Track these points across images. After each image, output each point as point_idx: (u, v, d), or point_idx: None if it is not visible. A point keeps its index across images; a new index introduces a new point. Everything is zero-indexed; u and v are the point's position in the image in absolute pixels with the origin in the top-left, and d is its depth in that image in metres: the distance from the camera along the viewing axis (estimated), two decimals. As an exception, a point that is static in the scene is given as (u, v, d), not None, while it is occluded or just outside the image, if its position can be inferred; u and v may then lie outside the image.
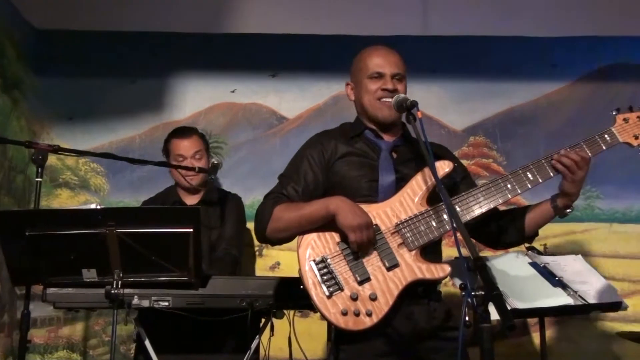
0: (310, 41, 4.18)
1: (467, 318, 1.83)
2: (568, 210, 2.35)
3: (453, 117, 4.15)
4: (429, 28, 4.18)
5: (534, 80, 4.16)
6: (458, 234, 1.92)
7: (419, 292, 2.27)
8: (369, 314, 2.16)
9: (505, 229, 2.46)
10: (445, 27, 4.16)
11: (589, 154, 2.31)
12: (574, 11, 4.14)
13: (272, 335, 2.79)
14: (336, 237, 2.26)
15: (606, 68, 4.16)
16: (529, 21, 4.15)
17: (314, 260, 2.23)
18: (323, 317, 2.18)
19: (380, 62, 2.43)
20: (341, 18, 4.17)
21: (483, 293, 1.76)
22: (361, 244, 2.20)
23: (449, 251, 2.56)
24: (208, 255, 3.26)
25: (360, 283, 2.20)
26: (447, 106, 4.15)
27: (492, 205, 2.31)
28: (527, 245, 3.10)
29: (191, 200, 3.45)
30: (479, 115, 4.16)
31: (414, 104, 2.21)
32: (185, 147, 3.41)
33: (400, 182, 2.35)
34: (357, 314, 2.16)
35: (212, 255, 3.30)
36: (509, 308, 2.33)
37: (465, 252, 1.87)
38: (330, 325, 2.23)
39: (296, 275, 2.29)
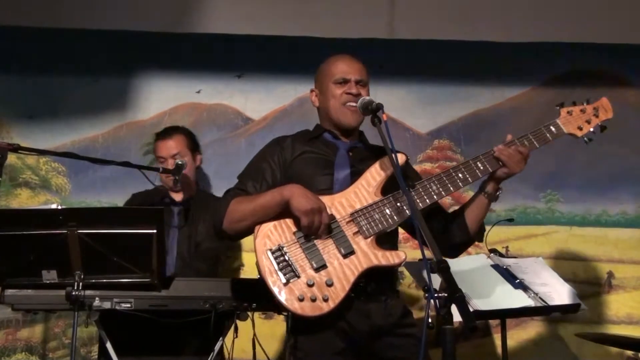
0: (276, 42, 4.16)
1: (429, 319, 1.85)
2: (498, 193, 2.44)
3: (418, 120, 4.17)
4: (394, 32, 4.20)
5: (497, 84, 4.21)
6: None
7: (374, 289, 2.30)
8: (326, 299, 2.19)
9: (449, 231, 2.50)
10: (411, 31, 4.18)
11: (536, 145, 2.44)
12: (537, 17, 4.21)
13: (236, 337, 2.77)
14: (292, 226, 2.30)
15: (567, 73, 4.22)
16: (493, 26, 4.20)
17: (270, 250, 2.26)
18: (279, 304, 2.20)
19: (345, 68, 2.51)
20: (308, 20, 4.17)
21: (446, 295, 1.78)
22: (313, 228, 2.23)
23: (413, 253, 2.58)
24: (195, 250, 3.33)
25: (317, 270, 2.23)
26: (412, 109, 4.17)
27: (444, 194, 2.38)
28: (489, 247, 3.16)
29: (178, 196, 3.49)
30: (444, 119, 4.19)
31: (380, 107, 2.24)
32: (164, 148, 3.46)
33: (355, 176, 2.41)
34: (313, 300, 2.18)
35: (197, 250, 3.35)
36: (471, 310, 2.38)
37: (429, 254, 1.90)
38: (287, 319, 2.27)
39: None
